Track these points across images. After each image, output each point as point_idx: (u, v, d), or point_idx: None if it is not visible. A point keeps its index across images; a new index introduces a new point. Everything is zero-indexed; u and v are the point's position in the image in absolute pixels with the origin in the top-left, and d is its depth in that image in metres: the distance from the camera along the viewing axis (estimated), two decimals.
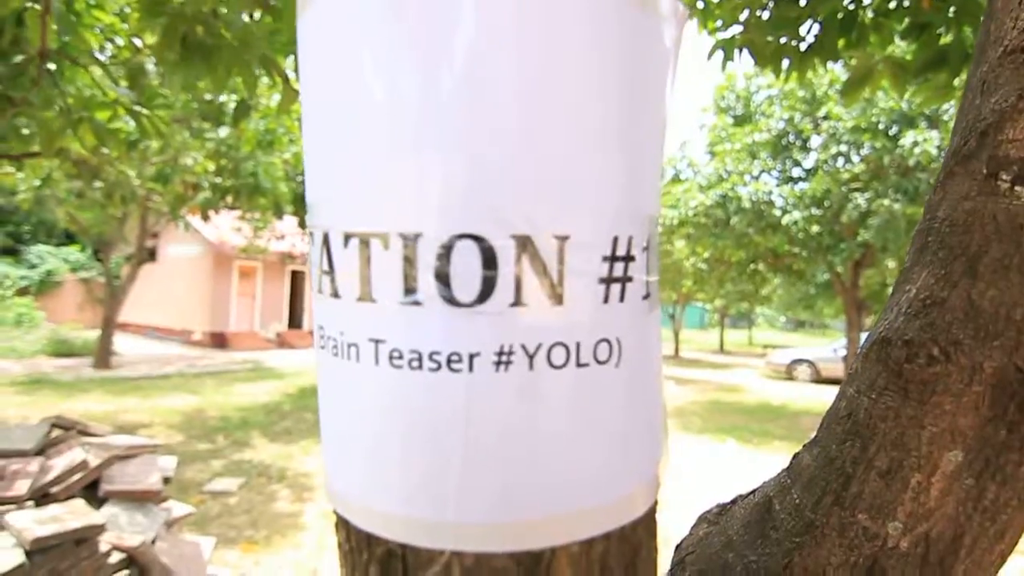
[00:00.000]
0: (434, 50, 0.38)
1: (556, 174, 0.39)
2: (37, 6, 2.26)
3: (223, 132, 5.78)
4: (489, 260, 0.38)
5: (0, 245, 16.98)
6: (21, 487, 2.41)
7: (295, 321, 16.49)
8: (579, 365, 0.40)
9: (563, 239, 0.39)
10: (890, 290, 0.61)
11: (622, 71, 0.42)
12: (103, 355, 10.38)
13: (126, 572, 2.43)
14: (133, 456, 2.95)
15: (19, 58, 2.48)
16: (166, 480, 3.00)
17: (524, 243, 0.38)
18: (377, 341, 0.40)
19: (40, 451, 2.71)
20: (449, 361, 0.38)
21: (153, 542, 2.59)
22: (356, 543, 0.45)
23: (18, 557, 2.10)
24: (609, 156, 0.41)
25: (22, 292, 15.21)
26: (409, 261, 0.38)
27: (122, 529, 2.53)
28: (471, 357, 0.38)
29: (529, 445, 0.40)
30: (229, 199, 7.05)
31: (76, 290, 16.48)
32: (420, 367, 0.39)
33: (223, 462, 5.42)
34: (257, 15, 2.21)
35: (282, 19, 2.07)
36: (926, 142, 8.33)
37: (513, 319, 0.38)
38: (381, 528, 0.42)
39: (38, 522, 2.25)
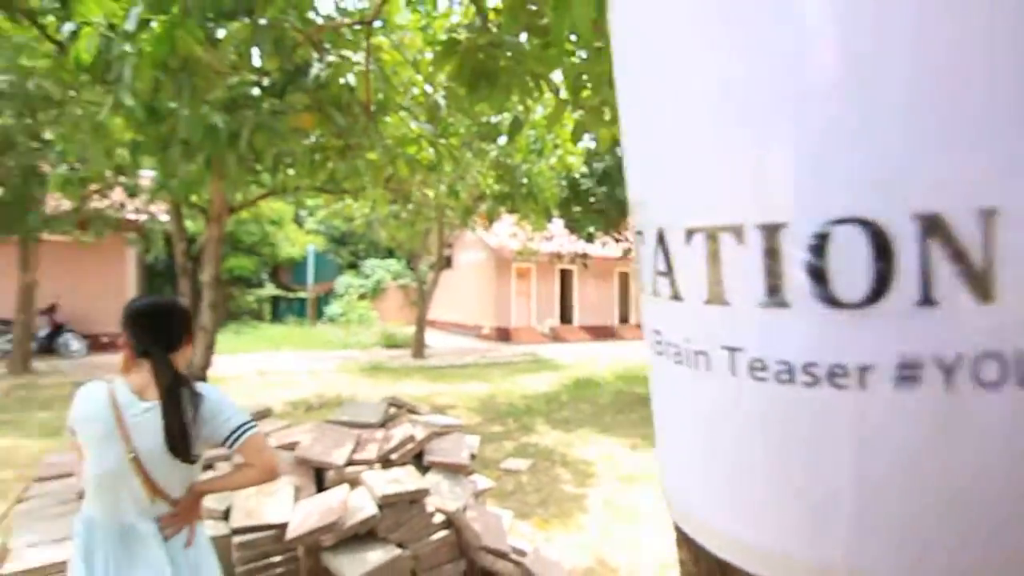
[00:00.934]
0: None
1: (974, 124, 0.29)
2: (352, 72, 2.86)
3: (501, 140, 6.46)
4: (883, 248, 0.30)
5: (346, 261, 21.98)
6: (372, 451, 3.02)
7: (566, 317, 17.64)
8: (1022, 383, 0.30)
9: (991, 213, 0.29)
10: None
11: None
12: (418, 347, 12.53)
13: (446, 532, 2.85)
14: (447, 433, 3.45)
15: (349, 115, 3.13)
16: (472, 456, 3.44)
17: (933, 223, 0.29)
18: (733, 349, 0.35)
19: (382, 424, 3.36)
20: (831, 375, 0.31)
21: (464, 510, 2.99)
22: (705, 568, 0.41)
23: (373, 508, 2.62)
24: None
25: (362, 297, 19.58)
26: (772, 256, 0.33)
27: (443, 495, 2.97)
28: (861, 371, 0.31)
29: (947, 483, 0.30)
30: (508, 204, 7.80)
31: (397, 294, 20.41)
32: (791, 381, 0.33)
33: (513, 444, 6.00)
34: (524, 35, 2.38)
35: (550, 35, 2.19)
36: None
37: (920, 322, 0.30)
38: (743, 560, 0.37)
39: (385, 481, 2.78)
